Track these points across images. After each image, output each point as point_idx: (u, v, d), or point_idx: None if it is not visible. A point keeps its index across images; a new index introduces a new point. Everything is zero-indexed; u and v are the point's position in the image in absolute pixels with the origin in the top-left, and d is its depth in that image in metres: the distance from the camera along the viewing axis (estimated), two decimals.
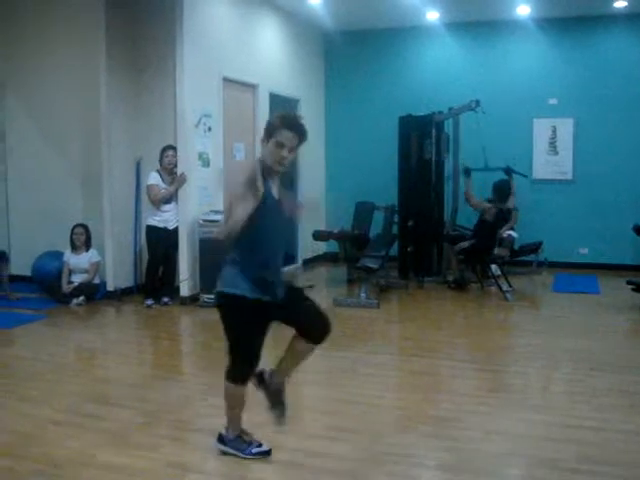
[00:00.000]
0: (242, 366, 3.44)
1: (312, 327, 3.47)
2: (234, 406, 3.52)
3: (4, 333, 6.55)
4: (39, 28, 8.45)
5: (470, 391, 4.84)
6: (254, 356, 3.43)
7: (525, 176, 9.24)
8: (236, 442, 3.56)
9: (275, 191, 3.38)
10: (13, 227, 8.85)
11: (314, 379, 5.22)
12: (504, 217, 8.41)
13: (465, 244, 8.26)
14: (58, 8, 8.31)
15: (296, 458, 3.54)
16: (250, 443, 3.55)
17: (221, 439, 3.59)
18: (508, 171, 8.86)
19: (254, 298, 3.31)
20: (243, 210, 3.14)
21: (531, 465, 3.47)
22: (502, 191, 8.25)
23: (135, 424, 4.13)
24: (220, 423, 3.61)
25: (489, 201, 8.33)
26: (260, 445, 3.56)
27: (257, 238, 3.30)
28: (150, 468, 3.46)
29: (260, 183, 3.17)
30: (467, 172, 8.70)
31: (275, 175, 3.38)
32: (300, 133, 3.31)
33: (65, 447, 3.76)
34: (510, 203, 8.60)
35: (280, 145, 3.25)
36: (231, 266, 3.36)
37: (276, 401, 3.62)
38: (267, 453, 3.53)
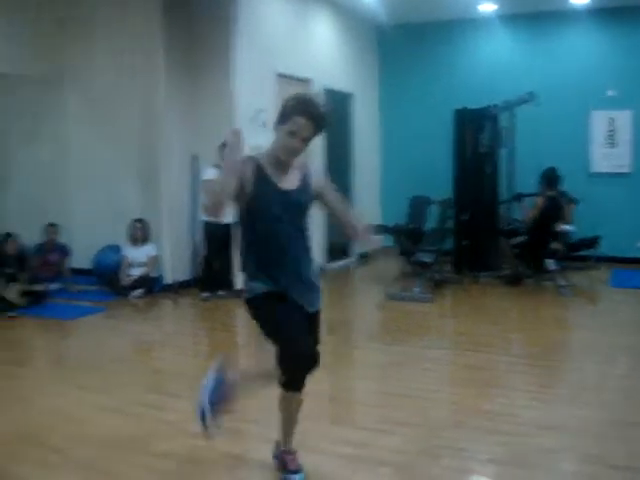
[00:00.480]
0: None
1: (311, 355, 3.02)
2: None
3: (65, 324, 6.77)
4: (98, 26, 8.62)
5: (524, 386, 4.82)
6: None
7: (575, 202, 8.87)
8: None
9: (287, 184, 3.01)
10: (75, 222, 9.07)
11: (368, 373, 5.28)
12: (555, 205, 8.15)
13: (520, 238, 8.16)
14: (117, 7, 8.49)
15: (351, 450, 3.58)
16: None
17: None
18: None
19: (268, 290, 3.00)
20: (220, 186, 2.85)
21: (583, 461, 3.44)
22: (550, 178, 8.06)
23: (191, 414, 4.22)
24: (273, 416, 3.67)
25: (538, 192, 8.13)
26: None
27: (261, 229, 3.00)
28: (206, 457, 3.55)
29: (248, 178, 2.89)
30: (518, 198, 8.58)
31: (288, 166, 3.02)
32: (317, 121, 2.92)
33: (121, 434, 3.89)
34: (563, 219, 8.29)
35: (292, 134, 2.90)
36: (243, 273, 3.09)
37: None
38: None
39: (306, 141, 2.94)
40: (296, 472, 3.17)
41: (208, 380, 3.21)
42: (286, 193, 2.98)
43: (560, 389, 4.78)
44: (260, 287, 3.00)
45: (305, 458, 3.43)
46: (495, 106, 8.65)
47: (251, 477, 3.39)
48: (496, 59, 10.02)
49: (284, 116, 2.91)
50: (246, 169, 2.91)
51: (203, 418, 3.14)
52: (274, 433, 3.31)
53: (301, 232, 3.08)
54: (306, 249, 3.10)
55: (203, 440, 3.38)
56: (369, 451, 3.55)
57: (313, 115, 2.90)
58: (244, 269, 3.07)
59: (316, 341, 3.13)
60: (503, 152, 8.88)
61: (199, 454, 3.60)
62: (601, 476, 3.28)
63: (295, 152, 2.95)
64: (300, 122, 2.87)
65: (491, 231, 8.76)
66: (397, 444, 3.61)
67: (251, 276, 3.03)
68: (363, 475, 3.29)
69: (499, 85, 9.41)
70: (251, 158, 2.97)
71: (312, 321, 3.11)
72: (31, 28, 8.39)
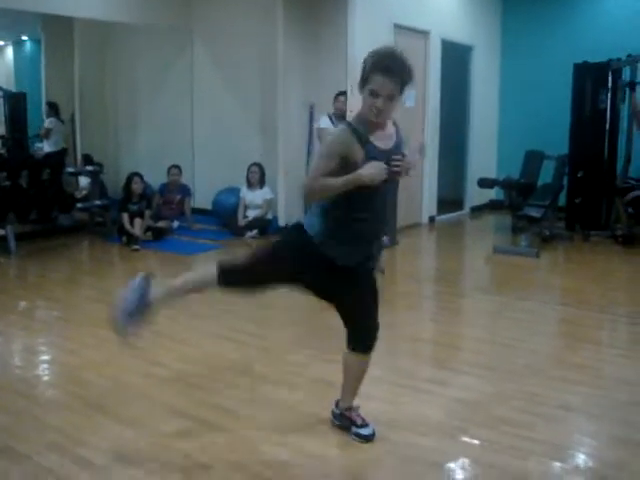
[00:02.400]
0: (234, 270, 3.10)
1: (370, 328, 3.12)
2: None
3: (183, 259, 7.31)
4: None
5: (613, 342, 4.89)
6: (252, 277, 3.09)
7: None
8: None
9: (384, 143, 2.90)
10: (197, 165, 9.64)
11: (464, 320, 5.49)
12: None
13: (637, 192, 7.94)
14: None
15: (426, 386, 3.82)
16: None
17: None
18: None
19: (322, 249, 2.93)
20: (320, 171, 2.82)
21: None
22: None
23: (290, 344, 4.59)
24: None
25: None
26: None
27: (360, 201, 2.89)
28: (296, 382, 3.88)
29: (356, 152, 2.81)
30: (633, 86, 8.16)
31: (381, 126, 2.90)
32: (397, 76, 2.77)
33: (226, 358, 4.31)
34: None
35: (374, 94, 2.76)
36: (317, 217, 2.96)
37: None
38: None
39: (391, 98, 2.78)
40: (366, 425, 3.24)
41: (128, 290, 3.10)
42: (385, 152, 2.87)
43: None
44: (317, 234, 2.94)
45: (383, 392, 3.72)
46: (617, 60, 8.39)
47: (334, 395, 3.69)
48: (621, 10, 9.63)
49: (364, 75, 2.79)
50: (349, 138, 2.83)
51: (117, 326, 3.14)
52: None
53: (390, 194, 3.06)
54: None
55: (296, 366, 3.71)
56: (445, 388, 3.77)
57: (393, 70, 2.76)
58: (322, 215, 2.95)
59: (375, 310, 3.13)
60: (623, 109, 8.63)
61: (290, 378, 3.94)
62: None
63: (382, 112, 2.80)
64: (379, 80, 2.74)
65: (606, 189, 8.60)
66: (474, 384, 3.82)
67: (329, 228, 2.93)
68: (434, 410, 3.52)
69: (623, 38, 9.05)
70: (348, 126, 2.88)
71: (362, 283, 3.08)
72: None
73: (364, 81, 2.80)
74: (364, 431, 3.21)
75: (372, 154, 2.83)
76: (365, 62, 2.82)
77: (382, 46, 2.88)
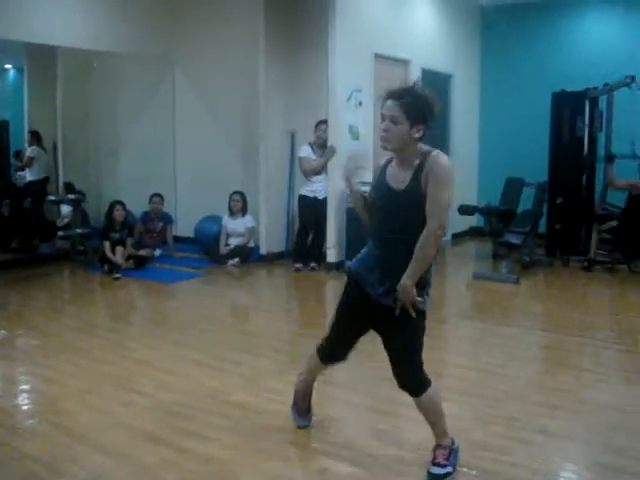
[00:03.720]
0: (326, 343, 3.33)
1: (394, 372, 3.13)
2: (307, 366, 3.54)
3: (165, 287, 7.30)
4: (203, 10, 9.16)
5: (592, 367, 4.92)
6: (336, 338, 3.28)
7: None
8: (294, 396, 3.62)
9: (394, 173, 2.98)
10: (179, 193, 9.68)
11: (443, 345, 5.49)
12: None
13: (613, 223, 8.08)
14: None
15: (406, 412, 3.80)
16: (296, 406, 3.61)
17: None
18: None
19: (355, 277, 3.12)
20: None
21: (636, 440, 3.52)
22: None
23: (270, 372, 4.59)
24: (346, 376, 3.97)
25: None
26: (302, 415, 3.61)
27: (373, 220, 3.11)
28: (277, 410, 3.88)
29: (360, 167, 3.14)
30: (610, 159, 8.40)
31: (403, 160, 2.94)
32: (400, 103, 2.82)
33: (204, 385, 4.30)
34: None
35: (382, 117, 2.88)
36: None
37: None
38: (298, 426, 3.58)
39: (395, 121, 2.83)
40: (438, 464, 3.11)
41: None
42: (392, 190, 2.95)
43: (627, 372, 4.82)
44: (353, 264, 3.16)
45: (366, 418, 3.73)
46: (594, 89, 8.54)
47: (313, 422, 3.69)
48: (597, 41, 9.82)
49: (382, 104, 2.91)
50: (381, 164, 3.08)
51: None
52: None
53: (401, 233, 2.94)
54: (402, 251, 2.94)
55: (274, 394, 3.71)
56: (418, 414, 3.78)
57: (398, 94, 2.84)
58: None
59: (400, 353, 3.09)
60: (601, 137, 8.76)
61: (271, 406, 3.93)
62: None
63: (386, 136, 2.87)
64: (385, 104, 2.86)
65: (584, 216, 8.70)
66: (453, 410, 3.81)
67: (365, 251, 3.13)
68: (415, 434, 3.52)
69: (599, 68, 9.22)
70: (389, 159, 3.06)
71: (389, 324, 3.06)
72: (145, 11, 8.97)
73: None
74: (433, 469, 3.10)
75: (378, 179, 3.04)
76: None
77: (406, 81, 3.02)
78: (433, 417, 3.16)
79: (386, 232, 2.98)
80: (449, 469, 3.09)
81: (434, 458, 3.14)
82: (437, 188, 2.83)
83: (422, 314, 3.02)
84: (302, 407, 3.59)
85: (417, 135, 2.87)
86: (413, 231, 2.86)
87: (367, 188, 3.18)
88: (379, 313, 3.05)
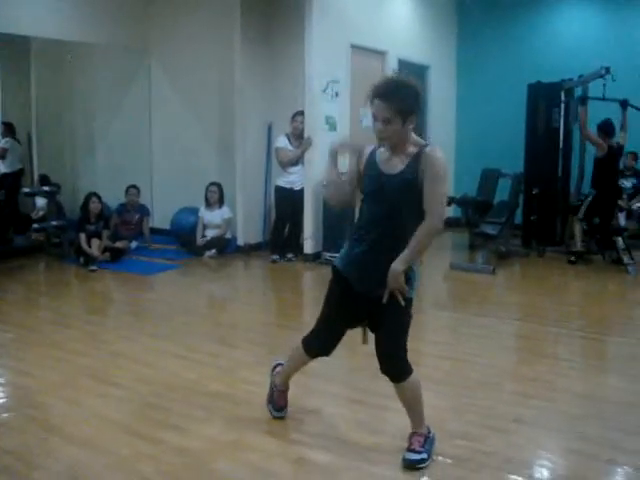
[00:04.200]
0: (314, 340, 3.34)
1: (378, 356, 3.16)
2: (290, 362, 3.53)
3: (141, 279, 7.27)
4: (179, 1, 9.11)
5: (567, 356, 4.96)
6: (324, 340, 3.29)
7: None
8: (270, 391, 3.64)
9: (386, 159, 3.02)
10: (155, 184, 9.63)
11: (419, 335, 5.48)
12: (616, 153, 8.03)
13: (597, 220, 8.04)
14: None
15: (382, 402, 3.84)
16: (272, 401, 3.61)
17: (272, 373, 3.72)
18: (624, 104, 8.33)
19: (342, 272, 3.17)
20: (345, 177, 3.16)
21: (608, 428, 3.57)
22: (606, 126, 7.91)
23: (246, 363, 4.59)
24: (322, 367, 3.96)
25: None
26: (279, 410, 3.59)
27: (360, 211, 3.13)
28: (254, 401, 3.88)
29: (353, 152, 3.13)
30: (583, 101, 8.31)
31: (395, 150, 3.00)
32: (391, 101, 2.86)
33: (181, 376, 4.29)
34: (622, 139, 8.21)
35: (374, 117, 2.93)
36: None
37: None
38: (276, 417, 3.58)
39: (387, 122, 2.88)
40: (414, 451, 3.17)
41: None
42: (384, 175, 2.99)
43: (601, 361, 4.91)
44: (338, 259, 3.23)
45: (342, 408, 3.74)
46: (569, 80, 8.60)
47: (289, 412, 3.69)
48: (573, 33, 9.89)
49: (370, 99, 2.93)
50: (363, 154, 3.10)
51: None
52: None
53: (390, 219, 2.99)
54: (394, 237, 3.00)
55: (250, 385, 3.71)
56: (400, 404, 3.80)
57: (385, 95, 2.87)
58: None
59: (386, 338, 3.12)
60: (576, 128, 8.83)
61: (248, 397, 3.94)
62: (622, 441, 3.42)
63: (382, 135, 2.93)
64: (375, 104, 2.89)
65: (560, 206, 8.78)
66: (429, 399, 3.81)
67: (348, 243, 3.19)
68: (392, 423, 3.54)
69: (574, 60, 9.29)
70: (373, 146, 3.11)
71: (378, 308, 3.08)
72: (119, 1, 8.89)
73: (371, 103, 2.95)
74: (408, 455, 3.15)
75: (370, 172, 3.04)
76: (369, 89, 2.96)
77: (393, 73, 3.06)
78: (412, 404, 3.22)
79: (376, 217, 3.03)
80: (424, 455, 3.14)
81: (410, 445, 3.19)
82: (435, 183, 2.90)
83: (409, 301, 3.07)
84: (279, 403, 3.60)
85: (411, 126, 2.95)
86: (402, 215, 2.95)
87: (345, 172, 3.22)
88: (369, 302, 3.10)
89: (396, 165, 2.97)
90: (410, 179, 2.92)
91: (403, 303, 3.00)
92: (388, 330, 3.10)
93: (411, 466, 3.11)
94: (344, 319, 3.23)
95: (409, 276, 3.03)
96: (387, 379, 3.18)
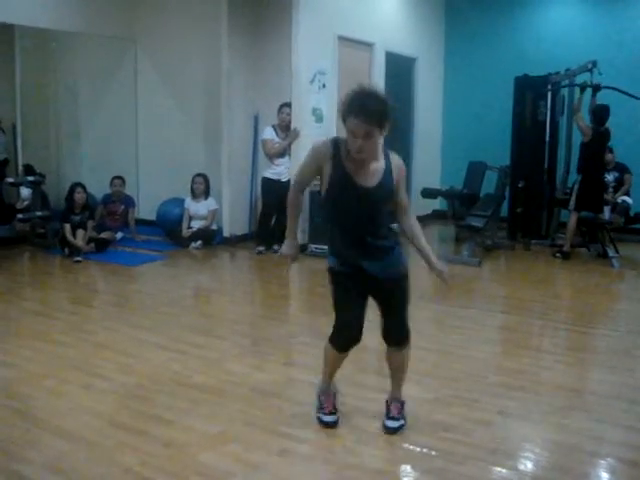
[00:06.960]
0: (338, 331, 3.32)
1: (386, 329, 3.35)
2: (325, 364, 3.50)
3: (128, 270, 7.22)
4: None
5: (552, 349, 4.98)
6: (348, 323, 3.27)
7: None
8: (317, 399, 3.56)
9: (359, 170, 3.06)
10: (141, 175, 9.57)
11: None
12: (602, 140, 8.02)
13: (575, 189, 8.02)
14: None
15: (370, 394, 3.85)
16: (322, 408, 3.50)
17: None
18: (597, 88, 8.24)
19: (338, 270, 3.24)
20: (300, 172, 3.26)
21: (592, 420, 3.59)
22: (600, 112, 7.92)
23: (231, 354, 4.58)
24: (307, 358, 3.97)
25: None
26: (330, 414, 3.47)
27: (333, 212, 3.19)
28: (238, 392, 3.87)
29: (326, 166, 3.07)
30: (583, 89, 8.28)
31: (366, 161, 3.06)
32: (372, 117, 2.87)
33: (165, 368, 4.27)
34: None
35: (352, 133, 2.92)
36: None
37: None
38: (328, 425, 3.43)
39: (368, 137, 2.91)
40: (392, 418, 3.43)
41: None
42: (362, 189, 3.06)
43: (586, 354, 4.93)
44: (331, 261, 3.27)
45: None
46: (556, 74, 8.61)
47: (274, 404, 3.69)
48: (559, 26, 9.89)
49: (343, 115, 2.94)
50: (326, 152, 3.08)
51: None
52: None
53: (375, 226, 3.16)
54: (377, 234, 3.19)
55: (234, 376, 3.69)
56: (385, 396, 3.80)
57: (366, 113, 2.86)
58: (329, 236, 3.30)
59: (400, 311, 3.33)
60: (562, 121, 8.86)
61: (232, 389, 3.93)
62: (606, 433, 3.44)
63: (361, 151, 2.95)
64: (354, 122, 2.88)
65: (546, 199, 8.80)
66: (413, 391, 3.84)
67: (330, 244, 3.28)
68: (374, 417, 3.53)
69: (562, 53, 9.30)
70: (335, 140, 3.11)
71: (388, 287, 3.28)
72: None
73: (343, 120, 2.96)
74: (388, 422, 3.40)
75: (342, 181, 3.06)
76: (344, 101, 2.95)
77: (362, 86, 2.98)
78: (402, 370, 3.45)
79: (356, 221, 3.15)
80: (402, 422, 3.40)
81: (388, 412, 3.44)
82: (404, 185, 3.25)
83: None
84: (328, 408, 3.49)
85: (385, 134, 3.00)
86: (381, 214, 3.17)
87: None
88: (376, 282, 3.24)
89: (372, 176, 3.08)
90: (390, 190, 3.14)
91: (448, 283, 3.40)
92: (401, 304, 3.33)
93: (392, 433, 3.34)
94: (359, 299, 3.29)
95: (403, 254, 3.33)
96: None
